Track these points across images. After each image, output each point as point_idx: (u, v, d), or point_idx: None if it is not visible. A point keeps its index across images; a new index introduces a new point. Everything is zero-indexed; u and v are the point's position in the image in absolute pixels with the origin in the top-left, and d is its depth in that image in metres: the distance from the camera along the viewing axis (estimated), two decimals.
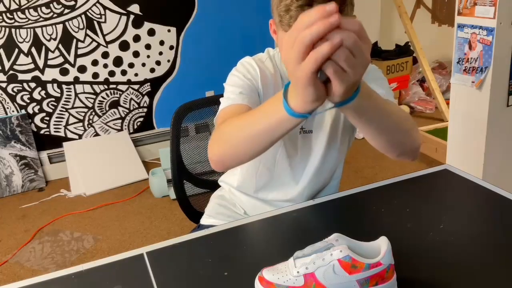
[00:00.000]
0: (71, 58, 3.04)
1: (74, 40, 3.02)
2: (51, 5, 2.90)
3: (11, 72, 2.93)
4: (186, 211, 1.43)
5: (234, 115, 0.94)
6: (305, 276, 0.72)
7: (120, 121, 3.29)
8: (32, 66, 2.97)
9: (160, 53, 3.26)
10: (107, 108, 3.22)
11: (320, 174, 1.18)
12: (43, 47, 2.96)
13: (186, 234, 0.99)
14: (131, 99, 3.27)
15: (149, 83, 3.29)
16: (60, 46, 2.99)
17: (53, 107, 3.09)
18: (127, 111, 3.29)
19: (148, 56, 3.23)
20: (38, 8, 2.88)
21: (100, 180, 2.97)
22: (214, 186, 1.37)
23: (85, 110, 3.17)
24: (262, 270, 0.76)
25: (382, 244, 0.75)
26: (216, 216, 1.28)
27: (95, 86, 3.15)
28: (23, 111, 3.02)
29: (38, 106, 3.05)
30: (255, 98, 1.05)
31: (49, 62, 3.00)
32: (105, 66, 3.14)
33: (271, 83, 1.10)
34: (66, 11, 2.95)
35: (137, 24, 3.13)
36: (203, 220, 1.31)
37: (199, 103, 1.35)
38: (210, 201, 1.35)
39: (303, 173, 1.17)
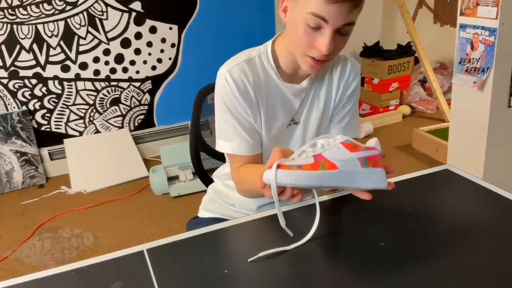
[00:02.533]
0: (72, 55, 3.04)
1: (76, 37, 3.02)
2: (53, 1, 2.90)
3: (12, 68, 2.93)
4: (204, 181, 1.47)
5: (242, 162, 1.13)
6: (314, 156, 0.81)
7: (121, 118, 3.29)
8: (33, 62, 2.97)
9: (162, 51, 3.26)
10: (108, 105, 3.23)
11: None
12: (45, 43, 2.96)
13: (186, 231, 0.99)
14: (132, 96, 3.27)
15: (150, 81, 3.29)
16: (61, 42, 2.99)
17: (54, 104, 3.09)
18: (128, 108, 3.29)
19: (150, 54, 3.23)
20: (40, 5, 2.88)
21: (101, 177, 2.97)
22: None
23: (86, 107, 3.17)
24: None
25: (371, 141, 0.88)
26: (211, 209, 1.34)
27: (96, 83, 3.15)
28: (24, 108, 3.02)
29: (39, 103, 3.06)
30: (253, 130, 1.11)
31: (51, 59, 3.00)
32: (107, 63, 3.14)
33: (263, 85, 1.10)
34: (68, 7, 2.95)
35: (139, 21, 3.13)
36: (200, 213, 1.38)
37: None
38: (207, 193, 1.40)
39: None
